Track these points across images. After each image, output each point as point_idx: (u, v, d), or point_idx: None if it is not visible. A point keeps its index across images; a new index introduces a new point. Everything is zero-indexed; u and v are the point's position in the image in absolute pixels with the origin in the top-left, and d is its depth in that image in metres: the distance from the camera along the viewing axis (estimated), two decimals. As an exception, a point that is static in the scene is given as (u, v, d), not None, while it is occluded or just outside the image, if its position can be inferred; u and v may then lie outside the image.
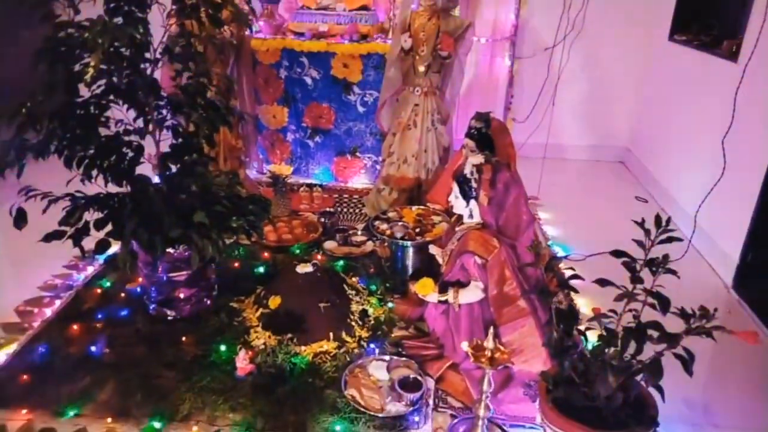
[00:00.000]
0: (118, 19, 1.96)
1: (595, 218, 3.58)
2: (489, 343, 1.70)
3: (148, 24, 2.01)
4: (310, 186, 3.68)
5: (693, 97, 3.47)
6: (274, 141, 3.93)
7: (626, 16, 4.11)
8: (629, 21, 4.13)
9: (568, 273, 1.75)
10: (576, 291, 1.65)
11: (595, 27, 4.11)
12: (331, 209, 3.45)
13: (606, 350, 1.53)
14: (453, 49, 3.11)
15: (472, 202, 2.13)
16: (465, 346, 1.75)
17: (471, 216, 2.17)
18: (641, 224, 1.50)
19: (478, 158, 2.12)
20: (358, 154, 3.87)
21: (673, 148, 3.72)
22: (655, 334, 1.47)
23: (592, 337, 1.63)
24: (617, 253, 1.50)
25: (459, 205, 2.18)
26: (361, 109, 3.73)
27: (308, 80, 3.71)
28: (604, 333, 1.53)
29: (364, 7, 3.67)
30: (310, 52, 3.62)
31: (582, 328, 1.66)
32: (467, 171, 2.12)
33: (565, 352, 1.62)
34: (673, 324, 1.47)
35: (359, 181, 3.92)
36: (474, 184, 2.10)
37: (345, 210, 3.56)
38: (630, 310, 1.54)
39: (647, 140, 4.22)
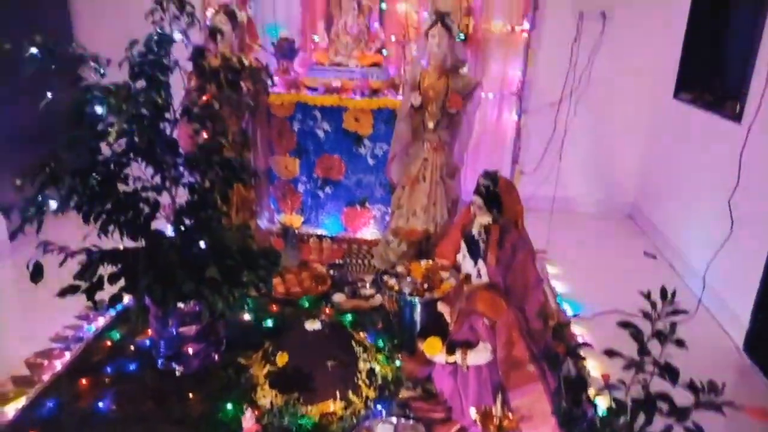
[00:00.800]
0: (141, 82, 2.05)
1: (604, 273, 3.57)
2: (497, 410, 1.69)
3: (170, 87, 2.10)
4: (319, 237, 3.72)
5: (698, 155, 3.52)
6: (285, 191, 3.99)
7: (631, 73, 4.21)
8: (634, 78, 4.23)
9: (578, 337, 1.77)
10: (583, 359, 1.65)
11: (600, 83, 4.22)
12: (340, 261, 3.48)
13: (616, 421, 1.51)
14: (461, 107, 3.20)
15: (480, 262, 2.15)
16: (473, 413, 1.74)
17: (479, 275, 2.19)
18: (647, 296, 1.50)
19: (486, 218, 2.15)
20: (367, 204, 3.92)
21: (681, 205, 3.74)
22: (664, 407, 1.46)
23: (604, 403, 1.61)
24: (624, 325, 1.50)
25: (467, 264, 2.20)
26: (371, 161, 3.81)
27: (320, 133, 3.81)
28: (614, 403, 1.52)
29: (376, 64, 3.79)
30: (323, 106, 3.73)
31: (592, 394, 1.66)
32: (475, 231, 2.15)
33: (575, 422, 1.60)
34: (684, 393, 1.46)
35: (368, 231, 3.95)
36: (482, 245, 2.13)
37: (354, 261, 3.58)
38: (639, 380, 1.54)
39: (654, 196, 4.25)
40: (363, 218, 3.96)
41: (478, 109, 3.38)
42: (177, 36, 1.97)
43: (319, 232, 3.91)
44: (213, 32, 2.11)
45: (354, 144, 3.79)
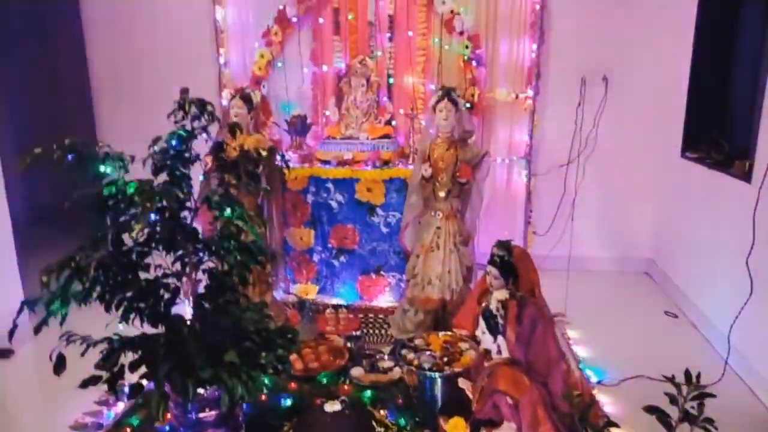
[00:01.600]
0: (163, 176, 2.14)
1: (626, 335, 3.51)
2: (527, 500, 1.64)
3: (190, 179, 2.18)
4: (335, 307, 3.72)
5: (711, 213, 3.53)
6: (300, 261, 4.04)
7: (637, 132, 4.30)
8: (641, 137, 4.31)
9: (604, 408, 1.72)
10: (613, 444, 1.61)
11: (607, 144, 4.30)
12: (357, 332, 3.46)
13: None
14: (471, 177, 3.27)
15: (500, 338, 2.14)
16: (502, 502, 1.69)
17: (499, 351, 2.17)
18: (671, 380, 1.48)
19: (503, 294, 2.16)
20: (382, 272, 3.94)
21: (698, 264, 3.71)
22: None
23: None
24: (650, 410, 1.47)
25: (487, 340, 2.19)
26: (384, 229, 3.86)
27: (334, 204, 3.88)
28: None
29: (386, 136, 3.91)
30: (335, 178, 3.83)
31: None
32: (493, 307, 2.16)
33: None
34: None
35: (384, 299, 3.95)
36: (500, 320, 2.12)
37: (371, 331, 3.57)
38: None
39: (670, 253, 4.22)
40: (378, 286, 3.97)
41: (488, 176, 3.45)
42: (197, 132, 2.07)
43: (335, 301, 3.91)
44: (233, 130, 2.20)
45: (367, 213, 3.85)
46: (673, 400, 1.45)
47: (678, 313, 3.80)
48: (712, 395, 1.44)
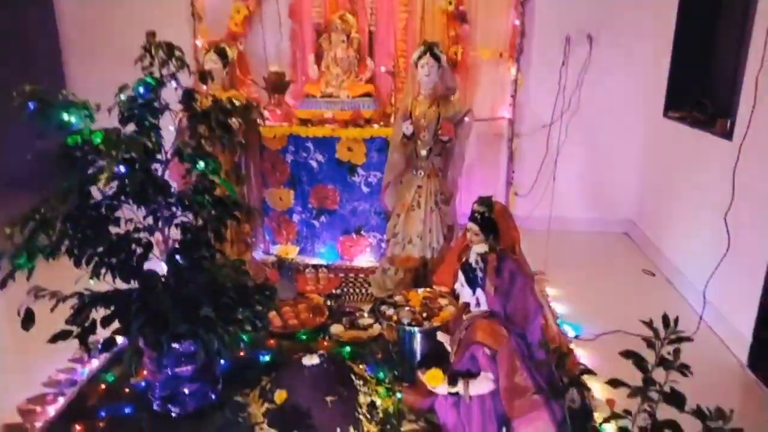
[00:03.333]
0: (131, 126, 2.05)
1: (603, 293, 3.55)
2: (502, 445, 1.65)
3: (160, 129, 2.10)
4: (315, 267, 3.69)
5: (692, 173, 3.53)
6: (280, 222, 3.98)
7: (621, 93, 4.26)
8: (624, 98, 4.27)
9: (581, 361, 1.74)
10: (588, 389, 1.62)
11: (590, 104, 4.26)
12: (337, 291, 3.44)
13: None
14: (453, 134, 3.21)
15: (479, 290, 2.13)
16: (477, 447, 1.70)
17: (478, 304, 2.17)
18: (649, 324, 1.48)
19: (483, 247, 2.14)
20: (363, 232, 3.91)
21: (677, 222, 3.74)
22: (672, 436, 1.43)
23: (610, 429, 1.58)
24: (627, 354, 1.47)
25: (465, 293, 2.18)
26: (365, 189, 3.81)
27: (314, 164, 3.81)
28: (620, 434, 1.49)
29: (367, 94, 3.82)
30: (315, 137, 3.75)
31: (598, 420, 1.62)
32: (472, 260, 2.13)
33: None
34: (691, 420, 1.43)
35: (365, 259, 3.93)
36: (480, 273, 2.11)
37: (351, 290, 3.55)
38: (646, 407, 1.51)
39: (651, 213, 4.25)
40: (359, 246, 3.94)
41: (470, 134, 3.40)
42: (166, 80, 1.98)
43: (315, 261, 3.88)
44: (203, 76, 2.11)
45: (348, 173, 3.79)
46: (650, 345, 1.44)
47: (655, 271, 3.84)
48: (689, 338, 1.45)
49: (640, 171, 4.40)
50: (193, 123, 2.07)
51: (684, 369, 1.51)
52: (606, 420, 1.51)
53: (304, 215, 3.95)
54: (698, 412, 1.43)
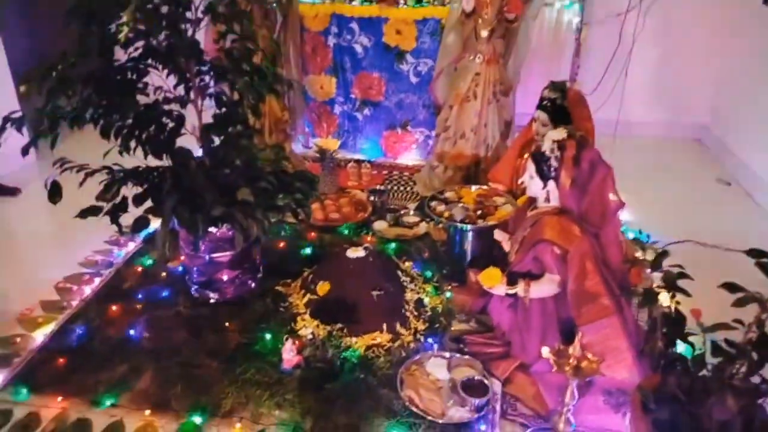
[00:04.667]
0: (157, -28, 1.76)
1: (672, 202, 3.23)
2: (575, 350, 1.45)
3: (190, -21, 1.80)
4: (358, 162, 3.46)
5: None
6: (320, 113, 3.71)
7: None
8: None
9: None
10: (688, 294, 1.38)
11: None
12: (381, 187, 3.22)
13: (727, 366, 1.26)
14: (521, 12, 2.80)
15: (551, 183, 1.86)
16: (546, 352, 1.51)
17: (548, 200, 1.90)
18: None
19: (560, 133, 1.84)
20: (409, 128, 3.61)
21: (761, 126, 3.30)
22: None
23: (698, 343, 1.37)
24: (753, 253, 1.21)
25: (535, 186, 1.91)
26: (414, 79, 3.46)
27: (358, 48, 3.46)
28: (726, 346, 1.27)
29: (421, -33, 3.36)
30: (360, 17, 3.37)
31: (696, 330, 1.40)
32: (546, 147, 1.84)
33: (671, 365, 1.36)
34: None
35: (410, 157, 3.67)
36: (554, 163, 1.83)
37: (395, 188, 3.33)
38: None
39: (730, 116, 3.79)
40: (404, 143, 3.66)
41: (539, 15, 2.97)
42: None
43: (357, 157, 3.64)
44: None
45: (395, 60, 3.43)
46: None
47: (731, 180, 3.47)
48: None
49: (724, 68, 3.87)
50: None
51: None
52: (709, 329, 1.28)
53: (347, 106, 3.65)
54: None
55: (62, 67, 1.67)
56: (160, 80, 2.00)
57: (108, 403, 1.78)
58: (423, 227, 2.80)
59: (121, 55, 1.91)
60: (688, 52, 3.93)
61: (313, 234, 2.72)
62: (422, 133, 3.61)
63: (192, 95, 2.02)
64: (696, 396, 1.34)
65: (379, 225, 2.83)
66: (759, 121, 3.34)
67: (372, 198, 3.03)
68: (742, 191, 3.38)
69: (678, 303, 1.45)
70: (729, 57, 3.82)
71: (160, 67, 1.95)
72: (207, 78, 2.03)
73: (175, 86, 2.02)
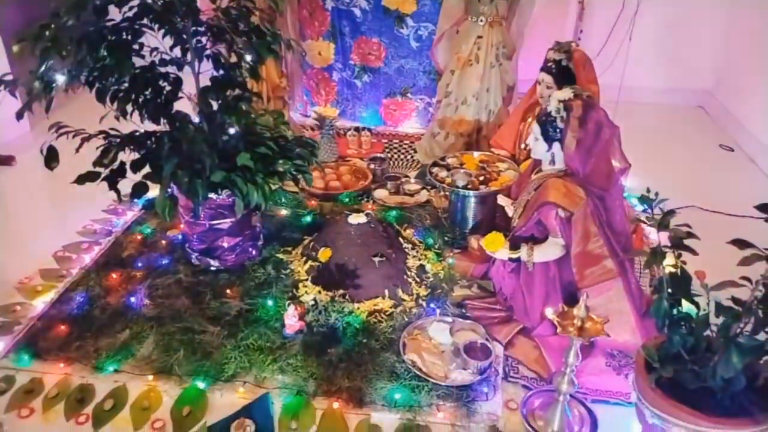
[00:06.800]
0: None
1: (674, 169, 3.19)
2: (580, 311, 1.45)
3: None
4: (357, 129, 3.41)
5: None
6: (319, 80, 3.65)
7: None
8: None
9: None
10: (695, 253, 1.36)
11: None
12: (381, 155, 3.19)
13: (733, 324, 1.25)
14: (525, -29, 2.72)
15: (556, 145, 1.83)
16: (550, 313, 1.50)
17: (553, 162, 1.88)
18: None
19: (566, 93, 1.80)
20: (409, 95, 3.55)
21: (766, 91, 3.26)
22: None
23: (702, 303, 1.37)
24: (764, 208, 1.19)
25: (539, 148, 1.88)
26: (414, 44, 3.39)
27: (357, 12, 3.38)
28: (732, 304, 1.26)
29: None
30: (359, -23, 3.28)
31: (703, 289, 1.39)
32: (552, 108, 1.81)
33: (676, 325, 1.36)
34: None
35: (410, 125, 3.62)
36: (560, 124, 1.79)
37: (395, 156, 3.29)
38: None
39: (734, 82, 3.74)
40: (404, 110, 3.61)
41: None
42: None
43: (357, 125, 3.59)
44: None
45: (395, 24, 3.35)
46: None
47: (734, 146, 3.44)
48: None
49: (730, 34, 3.80)
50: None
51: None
52: (716, 287, 1.27)
53: (345, 73, 3.59)
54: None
55: (55, 27, 1.62)
56: (156, 41, 1.94)
57: (111, 368, 1.78)
58: (424, 195, 2.78)
59: (116, 14, 1.85)
60: (692, 18, 3.85)
61: (313, 202, 2.70)
62: (422, 100, 3.55)
63: (189, 57, 1.97)
64: (700, 355, 1.34)
65: (380, 193, 2.81)
66: (763, 88, 3.29)
67: (372, 166, 3.00)
68: (745, 157, 3.35)
69: (684, 263, 1.44)
70: (733, 23, 3.75)
71: (156, 27, 1.89)
72: (204, 39, 1.98)
73: (171, 48, 1.97)
